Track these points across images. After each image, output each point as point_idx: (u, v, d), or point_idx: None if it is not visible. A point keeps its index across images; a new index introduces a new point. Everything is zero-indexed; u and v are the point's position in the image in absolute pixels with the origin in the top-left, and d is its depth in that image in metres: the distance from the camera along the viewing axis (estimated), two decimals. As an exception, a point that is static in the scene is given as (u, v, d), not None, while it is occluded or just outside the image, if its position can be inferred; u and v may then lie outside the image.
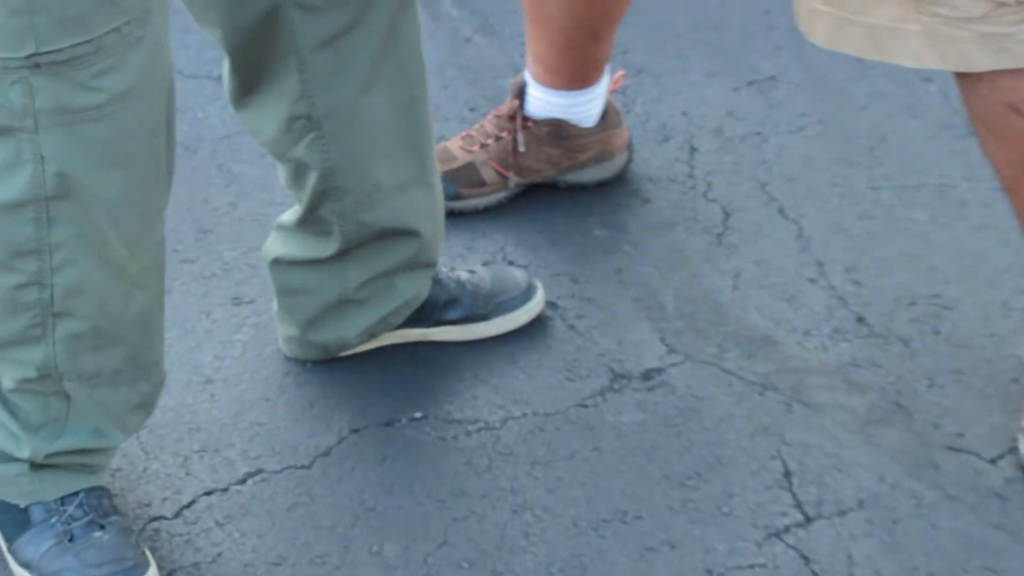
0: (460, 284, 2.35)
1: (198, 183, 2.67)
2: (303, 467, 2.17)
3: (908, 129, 2.78)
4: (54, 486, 1.98)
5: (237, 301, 2.44)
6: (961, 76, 2.02)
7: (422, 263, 2.27)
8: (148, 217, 1.89)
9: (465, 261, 2.49)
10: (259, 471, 2.16)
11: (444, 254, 2.44)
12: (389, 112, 2.12)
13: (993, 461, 2.16)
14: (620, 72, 2.66)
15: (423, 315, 2.32)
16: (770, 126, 2.80)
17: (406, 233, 2.21)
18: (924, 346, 2.34)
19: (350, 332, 2.28)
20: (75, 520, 1.98)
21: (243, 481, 2.15)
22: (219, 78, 2.86)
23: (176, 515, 2.10)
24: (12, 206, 1.77)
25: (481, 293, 2.35)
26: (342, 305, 2.25)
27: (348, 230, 2.18)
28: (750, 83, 2.92)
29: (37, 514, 1.99)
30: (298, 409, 2.26)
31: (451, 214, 2.54)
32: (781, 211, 2.60)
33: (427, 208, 2.22)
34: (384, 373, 2.31)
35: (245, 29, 2.02)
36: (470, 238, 2.55)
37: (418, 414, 2.24)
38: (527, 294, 2.37)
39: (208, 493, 2.14)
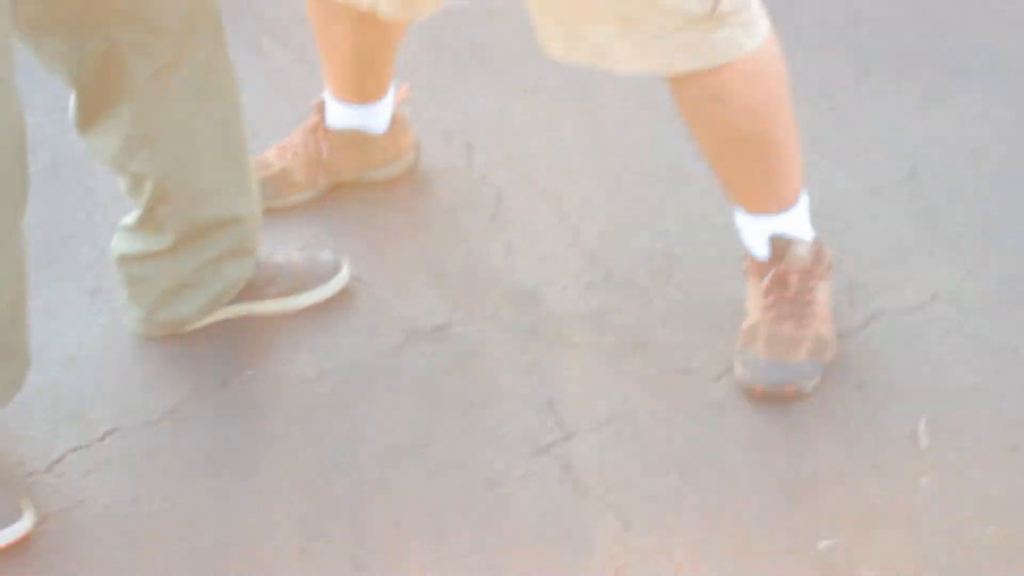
0: (278, 266, 2.37)
1: (62, 198, 2.65)
2: (154, 423, 2.17)
3: (646, 122, 2.80)
4: None
5: (95, 293, 2.43)
6: (671, 77, 2.06)
7: (245, 250, 2.29)
8: (4, 232, 1.91)
9: (284, 248, 2.48)
10: (116, 429, 2.16)
11: (267, 242, 2.46)
12: (210, 130, 2.17)
13: (716, 379, 2.21)
14: (404, 87, 2.67)
15: (248, 293, 2.34)
16: (533, 125, 2.82)
17: (228, 227, 2.24)
18: (659, 293, 2.38)
19: (188, 310, 2.30)
20: None
21: (103, 438, 2.15)
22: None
23: (47, 469, 2.09)
24: None
25: (296, 273, 2.38)
26: (180, 289, 2.27)
27: (179, 227, 2.21)
28: (516, 91, 2.94)
29: None
30: (149, 376, 2.26)
31: (271, 211, 2.56)
32: (543, 193, 2.62)
33: (246, 206, 2.26)
34: (219, 343, 2.31)
35: (86, 69, 2.05)
36: (288, 228, 2.54)
37: (249, 372, 2.25)
38: (333, 271, 2.41)
39: (74, 450, 2.13)
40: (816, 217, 2.39)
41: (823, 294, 2.24)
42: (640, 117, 2.83)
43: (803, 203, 2.24)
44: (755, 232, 2.23)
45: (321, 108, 2.60)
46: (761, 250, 2.22)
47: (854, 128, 2.80)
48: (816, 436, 2.11)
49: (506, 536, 2.00)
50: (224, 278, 2.30)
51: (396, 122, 2.63)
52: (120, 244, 2.28)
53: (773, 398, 2.16)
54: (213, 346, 2.32)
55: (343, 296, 2.40)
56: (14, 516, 1.98)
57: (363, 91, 2.55)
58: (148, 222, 2.21)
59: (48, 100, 2.91)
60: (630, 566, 1.95)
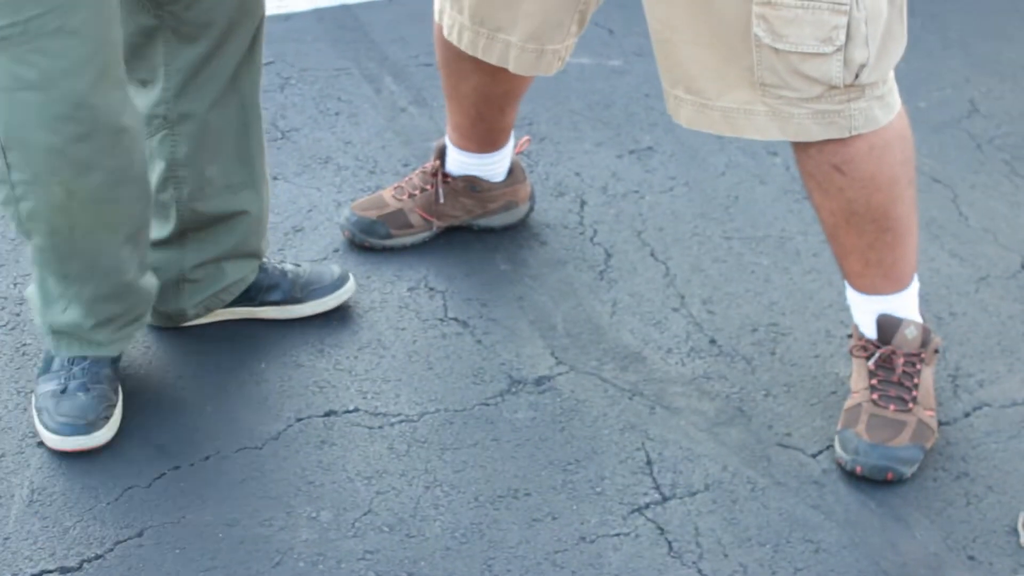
0: (283, 273, 2.40)
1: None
2: (256, 448, 2.19)
3: (756, 192, 2.82)
4: (65, 348, 2.17)
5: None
6: (796, 143, 2.06)
7: (248, 252, 2.34)
8: (80, 167, 1.97)
9: (394, 288, 2.51)
10: (218, 452, 2.18)
11: (377, 282, 2.48)
12: (227, 128, 2.23)
13: (814, 456, 2.20)
14: (525, 138, 2.70)
15: (250, 296, 2.38)
16: (646, 186, 2.84)
17: (232, 224, 2.28)
18: (762, 364, 2.38)
19: (187, 304, 2.34)
20: (73, 378, 2.16)
21: (206, 459, 2.17)
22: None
23: (149, 485, 2.11)
24: None
25: (299, 282, 2.40)
26: (180, 283, 2.31)
27: (184, 215, 2.26)
28: (631, 151, 2.96)
29: (54, 364, 2.19)
30: (254, 401, 2.27)
31: (383, 250, 2.59)
32: (652, 254, 2.63)
33: (253, 207, 2.30)
34: (326, 375, 2.32)
35: (128, 41, 2.09)
36: (398, 268, 2.56)
37: (352, 407, 2.26)
38: (338, 283, 2.42)
39: (176, 468, 2.15)
40: (923, 301, 2.38)
41: (927, 379, 2.22)
42: (751, 187, 2.84)
43: (915, 285, 2.22)
44: (865, 310, 2.21)
45: (442, 152, 2.61)
46: (869, 329, 2.21)
47: (966, 216, 2.78)
48: (913, 522, 2.08)
49: (596, 593, 1.99)
50: (224, 277, 2.32)
51: (513, 172, 2.65)
52: None
53: (872, 480, 2.13)
54: (320, 377, 2.32)
55: (450, 340, 2.41)
56: (95, 427, 2.16)
57: (484, 141, 2.57)
58: (154, 206, 2.23)
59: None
60: (718, 635, 1.93)
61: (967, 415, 2.28)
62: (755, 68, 1.94)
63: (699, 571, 2.01)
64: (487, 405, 2.27)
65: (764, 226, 2.72)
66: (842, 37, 1.90)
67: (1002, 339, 2.45)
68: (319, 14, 3.47)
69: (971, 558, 2.03)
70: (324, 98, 3.12)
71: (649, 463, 2.18)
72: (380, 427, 2.23)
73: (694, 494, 2.13)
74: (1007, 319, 2.50)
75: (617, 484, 2.14)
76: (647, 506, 2.11)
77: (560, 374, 2.34)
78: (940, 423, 2.24)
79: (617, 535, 2.06)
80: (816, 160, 2.05)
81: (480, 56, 2.26)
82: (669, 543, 2.04)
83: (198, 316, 2.36)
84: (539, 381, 2.32)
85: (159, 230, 2.27)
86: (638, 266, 2.60)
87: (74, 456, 2.14)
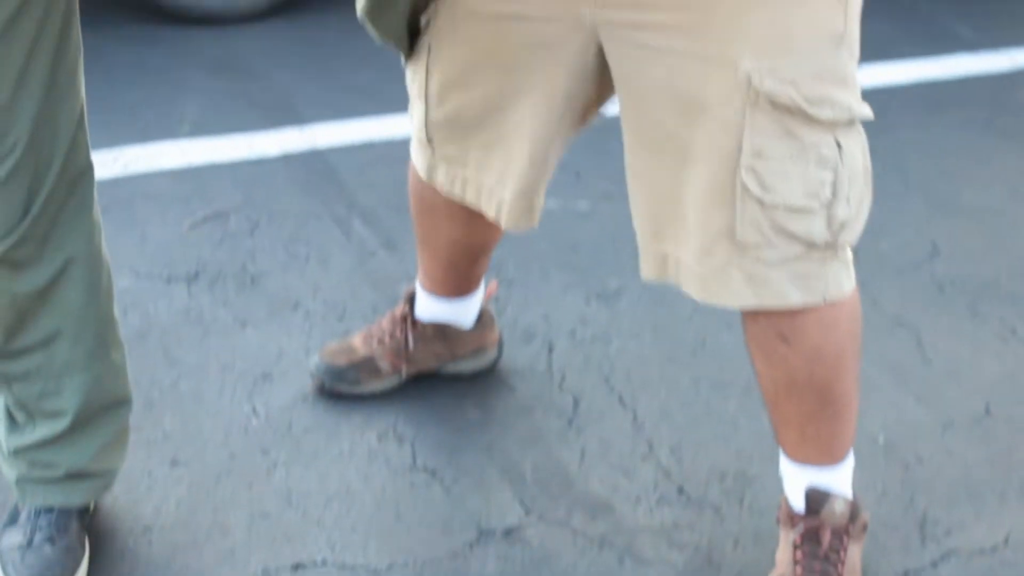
0: None
1: (146, 365, 2.68)
2: (223, 602, 2.17)
3: (723, 337, 2.84)
4: (30, 498, 2.14)
5: (174, 463, 2.44)
6: (746, 310, 2.01)
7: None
8: None
9: (363, 436, 2.51)
10: (186, 605, 2.16)
11: (347, 430, 2.48)
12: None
13: (782, 606, 2.19)
14: (494, 283, 2.71)
15: None
16: (614, 331, 2.86)
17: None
18: (731, 513, 2.37)
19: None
20: (39, 530, 2.12)
21: (172, 613, 2.15)
22: (167, 279, 2.94)
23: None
24: None
25: None
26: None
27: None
28: (599, 295, 2.98)
29: (21, 515, 2.16)
30: (221, 552, 2.24)
31: (353, 397, 2.60)
32: (621, 400, 2.64)
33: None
34: (293, 522, 2.31)
35: None
36: (368, 416, 2.56)
37: (320, 559, 2.24)
38: None
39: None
40: (889, 446, 2.40)
41: (855, 556, 2.17)
42: (719, 332, 2.86)
43: (850, 460, 2.18)
44: (796, 481, 2.17)
45: (411, 298, 2.63)
46: (798, 500, 2.16)
47: (930, 359, 2.81)
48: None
49: None
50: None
51: (482, 318, 2.66)
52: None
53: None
54: (288, 527, 2.30)
55: (418, 488, 2.40)
56: None
57: (456, 288, 2.58)
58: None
59: (144, 262, 2.99)
60: None
61: (935, 564, 2.29)
62: (737, 227, 1.90)
63: None
64: (456, 557, 2.26)
65: (731, 371, 2.73)
66: (828, 193, 1.89)
67: (969, 485, 2.46)
68: (288, 159, 3.51)
69: None
70: (294, 242, 3.14)
71: (619, 616, 2.16)
72: (348, 579, 2.21)
73: (664, 647, 2.11)
74: (973, 464, 2.52)
75: (587, 638, 2.12)
76: (617, 660, 2.09)
77: (529, 524, 2.33)
78: (907, 572, 2.24)
79: None
80: (763, 327, 2.02)
81: (482, 208, 2.21)
82: None
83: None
84: (508, 532, 2.32)
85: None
86: (606, 412, 2.61)
87: (39, 612, 2.11)
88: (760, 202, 1.88)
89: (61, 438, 2.10)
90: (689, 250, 1.96)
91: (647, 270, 2.05)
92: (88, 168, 1.96)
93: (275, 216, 3.25)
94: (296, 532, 2.29)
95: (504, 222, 2.19)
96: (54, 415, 2.08)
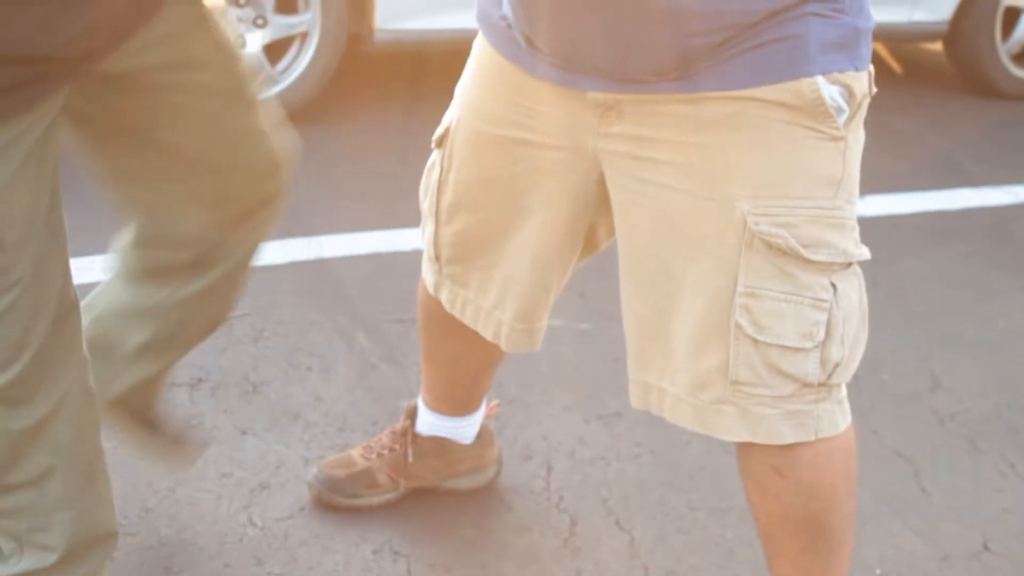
0: None
1: (144, 470, 2.67)
2: None
3: (722, 463, 2.84)
4: None
5: (168, 570, 2.43)
6: (741, 442, 2.00)
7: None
8: None
9: (358, 550, 2.50)
10: None
11: (341, 543, 2.48)
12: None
13: None
14: (494, 402, 2.72)
15: None
16: (612, 453, 2.86)
17: None
18: (725, 641, 2.38)
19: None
20: None
21: None
22: (170, 384, 2.95)
23: None
24: None
25: None
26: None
27: None
28: (598, 416, 2.99)
29: None
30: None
31: (349, 509, 2.60)
32: (618, 523, 2.64)
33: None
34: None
35: None
36: (363, 529, 2.55)
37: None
38: None
39: None
40: (886, 581, 2.38)
41: None
42: (718, 457, 2.86)
43: None
44: None
45: (413, 413, 2.64)
46: None
47: (928, 492, 2.81)
48: None
49: None
50: None
51: (483, 435, 2.67)
52: None
53: None
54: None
55: (412, 606, 2.39)
56: None
57: (458, 404, 2.60)
58: None
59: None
60: None
61: None
62: (730, 365, 1.91)
63: None
64: (447, 677, 2.24)
65: (729, 497, 2.73)
66: (822, 334, 1.89)
67: (965, 621, 2.45)
68: (295, 267, 3.55)
69: None
70: (296, 352, 3.16)
71: None
72: None
73: None
74: (970, 601, 2.51)
75: None
76: None
77: (522, 646, 2.32)
78: None
79: None
80: (758, 460, 2.01)
81: (479, 331, 2.24)
82: None
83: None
84: (501, 653, 2.30)
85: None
86: (603, 535, 2.60)
87: None
88: (754, 341, 1.89)
89: (47, 571, 2.03)
90: (678, 383, 1.97)
91: (633, 398, 2.07)
92: (76, 302, 1.94)
93: (280, 325, 3.27)
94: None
95: (503, 344, 2.22)
96: (42, 548, 2.02)
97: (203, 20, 1.96)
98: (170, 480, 2.66)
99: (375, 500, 2.62)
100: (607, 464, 2.83)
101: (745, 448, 2.02)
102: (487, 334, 2.23)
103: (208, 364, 3.09)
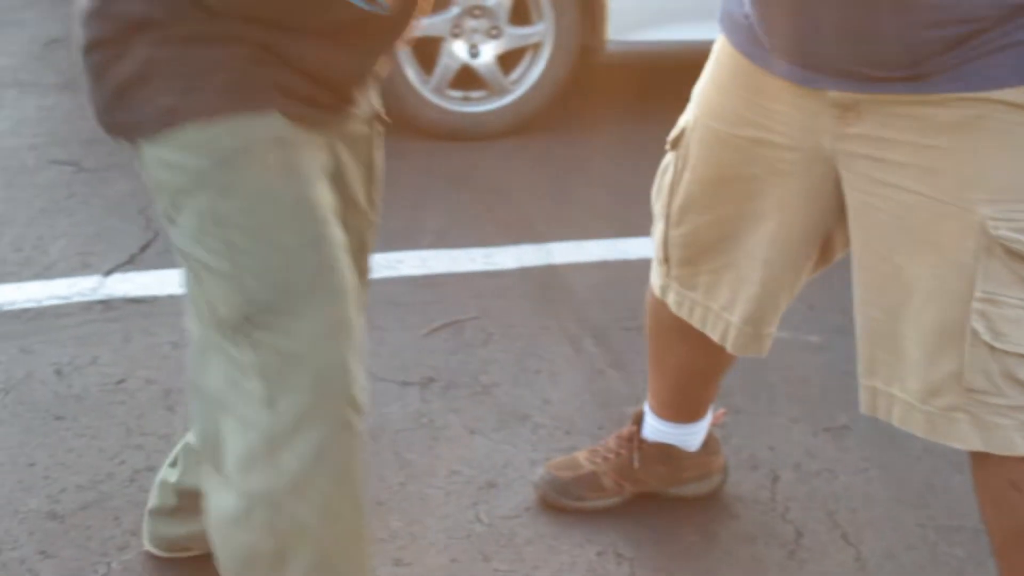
0: None
1: (377, 465, 2.76)
2: None
3: (953, 480, 2.79)
4: None
5: (398, 563, 2.50)
6: (974, 453, 1.97)
7: None
8: None
9: (583, 551, 2.53)
10: None
11: (567, 544, 2.51)
12: None
13: None
14: (721, 410, 2.73)
15: None
16: (840, 466, 2.84)
17: None
18: (954, 661, 2.34)
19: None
20: None
21: None
22: (402, 382, 3.03)
23: None
24: None
25: None
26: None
27: None
28: (826, 429, 2.97)
29: None
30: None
31: (575, 511, 2.63)
32: (844, 536, 2.61)
33: None
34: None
35: None
36: (588, 532, 2.58)
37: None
38: None
39: None
40: None
41: None
42: (949, 475, 2.81)
43: None
44: None
45: (639, 419, 2.66)
46: None
47: None
48: None
49: None
50: None
51: (708, 443, 2.68)
52: None
53: None
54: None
55: (636, 609, 2.41)
56: None
57: (684, 411, 2.61)
58: None
59: (380, 366, 3.09)
60: None
61: None
62: (965, 372, 1.89)
63: None
64: None
65: (959, 516, 2.68)
66: None
67: None
68: (525, 272, 3.60)
69: None
70: (525, 355, 3.22)
71: None
72: None
73: None
74: None
75: None
76: None
77: (745, 654, 2.32)
78: None
79: None
80: (994, 473, 1.98)
81: (707, 332, 2.26)
82: None
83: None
84: (723, 659, 2.31)
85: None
86: (829, 548, 2.58)
87: None
88: (991, 348, 1.86)
89: None
90: (908, 389, 1.95)
91: (862, 403, 2.05)
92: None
93: (509, 329, 3.33)
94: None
95: (730, 347, 2.23)
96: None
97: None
98: (401, 475, 2.74)
99: (600, 503, 2.65)
100: (834, 477, 2.80)
101: (980, 461, 1.98)
102: (715, 335, 2.24)
103: (439, 364, 3.17)
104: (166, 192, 1.76)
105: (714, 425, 2.70)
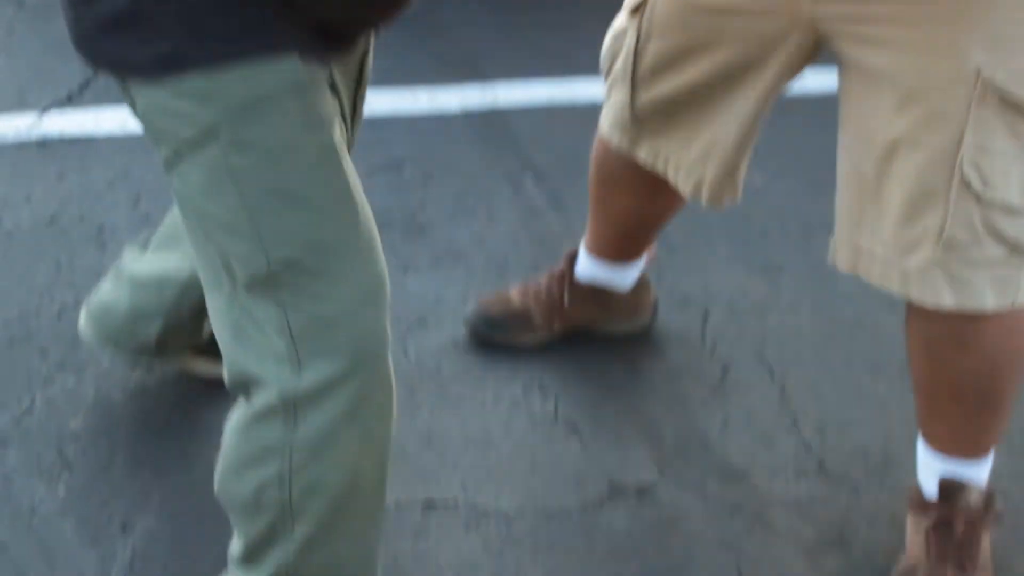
0: None
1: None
2: None
3: (882, 318, 2.80)
4: None
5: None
6: (916, 309, 1.98)
7: None
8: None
9: (508, 386, 2.55)
10: None
11: (493, 379, 2.53)
12: None
13: (912, 590, 2.16)
14: (653, 252, 2.71)
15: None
16: (772, 304, 2.85)
17: None
18: (869, 492, 2.35)
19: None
20: None
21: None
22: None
23: None
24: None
25: None
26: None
27: None
28: (762, 268, 2.97)
29: None
30: None
31: (503, 347, 2.64)
32: (770, 373, 2.64)
33: None
34: (430, 462, 2.36)
35: None
36: (515, 367, 2.60)
37: (451, 499, 2.29)
38: None
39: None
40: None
41: (986, 545, 2.13)
42: (879, 313, 2.82)
43: (991, 456, 2.15)
44: (932, 469, 2.15)
45: (572, 259, 2.66)
46: (930, 487, 2.15)
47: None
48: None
49: None
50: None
51: (640, 282, 2.68)
52: None
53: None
54: (423, 466, 2.35)
55: (557, 441, 2.44)
56: None
57: (622, 253, 2.60)
58: None
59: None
60: None
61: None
62: (947, 224, 1.87)
63: None
64: (586, 511, 2.29)
65: (887, 352, 2.70)
66: None
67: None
68: (468, 115, 3.57)
69: None
70: (464, 195, 3.20)
71: (741, 583, 2.16)
72: (476, 522, 2.25)
73: (783, 618, 2.10)
74: None
75: (707, 601, 2.12)
76: (735, 626, 2.09)
77: (662, 485, 2.35)
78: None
79: (701, 652, 2.04)
80: (939, 329, 1.98)
81: (679, 185, 2.24)
82: (753, 665, 2.03)
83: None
84: (640, 490, 2.34)
85: None
86: (754, 384, 2.61)
87: None
88: (978, 198, 1.85)
89: None
90: (887, 244, 1.94)
91: (842, 260, 2.03)
92: None
93: (449, 169, 3.31)
94: (431, 472, 2.35)
95: (705, 198, 2.22)
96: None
97: None
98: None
99: (529, 340, 2.66)
100: (765, 315, 2.82)
101: (925, 316, 1.98)
102: (686, 189, 2.23)
103: (376, 204, 3.08)
104: (167, 141, 1.59)
105: (648, 264, 2.69)
